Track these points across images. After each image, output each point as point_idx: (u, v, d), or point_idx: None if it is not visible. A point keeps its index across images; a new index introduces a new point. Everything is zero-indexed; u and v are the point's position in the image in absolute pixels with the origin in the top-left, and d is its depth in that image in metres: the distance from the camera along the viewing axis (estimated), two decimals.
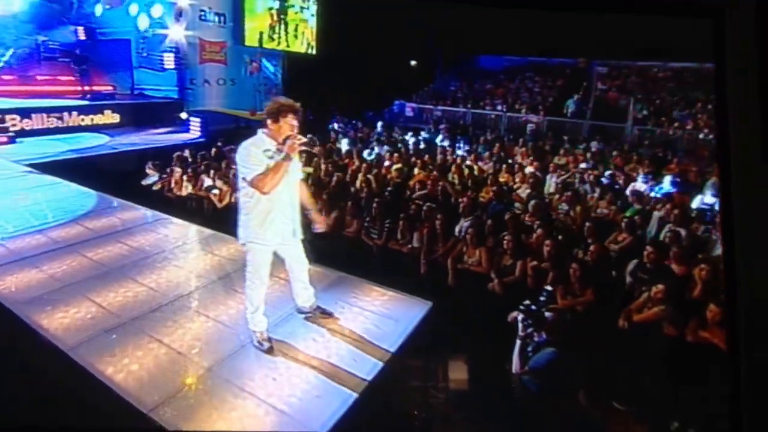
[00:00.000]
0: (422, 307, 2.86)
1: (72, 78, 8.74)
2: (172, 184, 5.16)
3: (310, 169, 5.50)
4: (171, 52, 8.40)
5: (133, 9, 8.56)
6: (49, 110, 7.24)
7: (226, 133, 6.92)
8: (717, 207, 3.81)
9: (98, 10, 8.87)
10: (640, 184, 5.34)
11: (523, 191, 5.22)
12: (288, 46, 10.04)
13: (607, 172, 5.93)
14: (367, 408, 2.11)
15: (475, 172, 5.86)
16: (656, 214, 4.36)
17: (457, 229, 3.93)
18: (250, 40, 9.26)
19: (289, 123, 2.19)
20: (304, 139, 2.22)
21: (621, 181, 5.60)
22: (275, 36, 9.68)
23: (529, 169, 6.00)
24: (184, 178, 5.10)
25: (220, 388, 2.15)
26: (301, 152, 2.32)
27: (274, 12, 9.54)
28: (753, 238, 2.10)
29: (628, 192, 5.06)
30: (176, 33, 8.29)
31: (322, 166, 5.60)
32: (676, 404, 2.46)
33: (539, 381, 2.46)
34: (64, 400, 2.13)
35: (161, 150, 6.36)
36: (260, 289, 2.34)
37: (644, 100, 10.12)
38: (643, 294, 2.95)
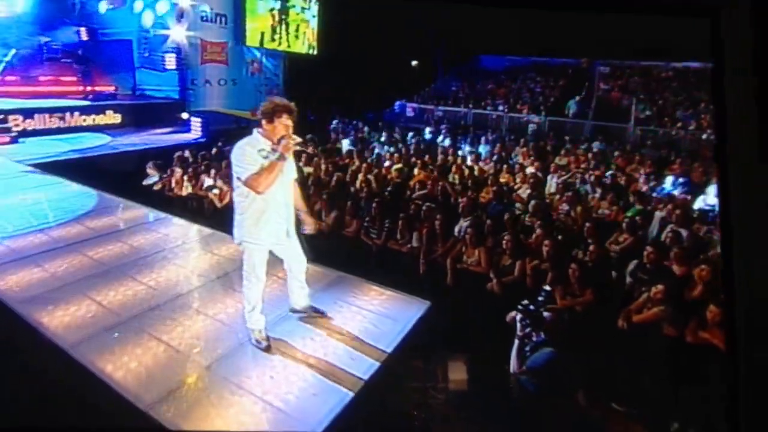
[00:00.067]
0: (420, 307, 2.86)
1: (74, 78, 8.81)
2: (173, 184, 5.18)
3: (310, 169, 5.52)
4: (172, 52, 8.45)
5: (138, 5, 8.60)
6: (51, 110, 7.30)
7: (226, 134, 6.94)
8: None
9: (102, 7, 8.92)
10: (642, 185, 5.33)
11: (524, 191, 5.21)
12: (289, 46, 10.08)
13: (608, 173, 5.91)
14: (364, 407, 2.12)
15: (476, 173, 5.86)
16: (658, 214, 4.34)
17: (456, 229, 3.93)
18: (252, 40, 9.30)
19: (284, 123, 2.20)
20: (299, 139, 2.23)
21: (623, 182, 5.58)
22: (276, 36, 9.71)
23: (529, 170, 5.99)
24: (185, 178, 5.13)
25: (218, 385, 2.16)
26: (296, 152, 2.33)
27: (275, 12, 9.58)
28: (752, 238, 2.09)
29: (630, 192, 5.05)
30: (178, 34, 8.33)
31: (322, 166, 5.61)
32: (675, 405, 2.45)
33: (537, 381, 2.45)
34: (63, 397, 2.14)
35: (162, 150, 6.40)
36: (257, 287, 2.35)
37: (647, 100, 10.08)
38: (643, 294, 2.94)
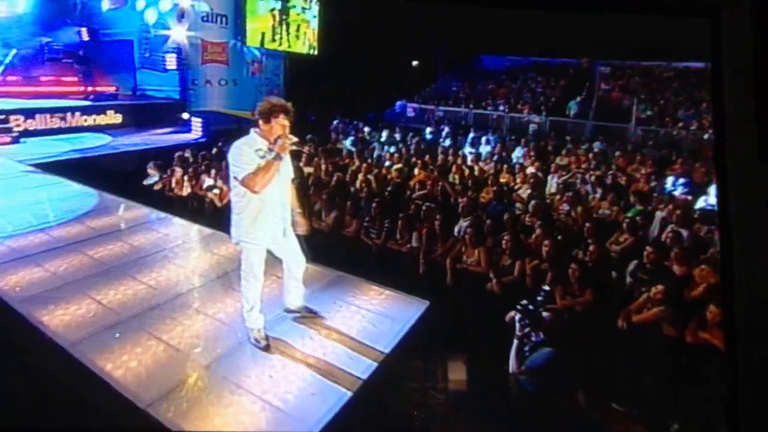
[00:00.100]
0: (419, 307, 2.87)
1: (75, 79, 8.83)
2: (173, 184, 5.20)
3: (310, 169, 5.53)
4: (173, 52, 8.47)
5: (141, 3, 8.59)
6: (52, 111, 7.32)
7: (227, 134, 6.94)
8: None
9: (104, 5, 8.94)
10: (644, 185, 5.31)
11: (524, 192, 5.21)
12: (290, 46, 10.09)
13: (609, 173, 5.90)
14: (362, 406, 2.12)
15: (476, 173, 5.86)
16: (659, 214, 4.33)
17: (456, 229, 3.93)
18: (252, 40, 9.31)
19: (280, 123, 2.21)
20: (295, 139, 2.24)
21: (623, 182, 5.57)
22: (277, 37, 9.72)
23: (530, 170, 5.99)
24: (185, 178, 5.14)
25: (217, 384, 2.17)
26: (294, 152, 2.33)
27: (275, 13, 9.58)
28: (751, 238, 2.09)
29: (631, 192, 5.03)
30: (178, 34, 8.35)
31: (323, 167, 5.62)
32: (675, 405, 2.45)
33: (536, 381, 2.45)
34: (63, 396, 2.15)
35: (163, 150, 6.41)
36: (255, 287, 2.36)
37: (648, 100, 10.06)
38: (643, 295, 2.93)
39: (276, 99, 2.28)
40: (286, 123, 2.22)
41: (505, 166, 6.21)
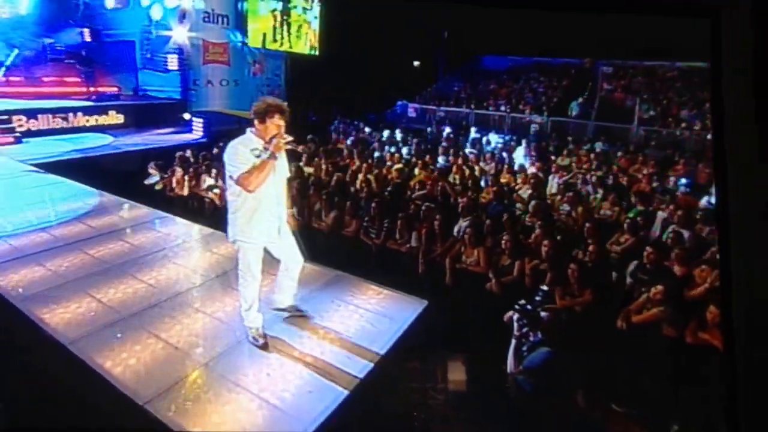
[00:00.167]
0: (418, 306, 2.87)
1: (77, 79, 8.88)
2: (174, 184, 5.22)
3: (310, 170, 5.54)
4: (174, 53, 8.51)
5: (145, 0, 8.63)
6: (54, 111, 7.37)
7: (228, 134, 6.97)
8: None
9: (109, 3, 8.98)
10: (645, 185, 5.29)
11: (525, 192, 5.20)
12: (291, 47, 10.12)
13: (610, 174, 5.89)
14: (359, 405, 2.12)
15: (476, 173, 5.85)
16: (660, 214, 4.32)
17: (455, 229, 3.93)
18: (253, 41, 9.35)
19: (276, 123, 2.22)
20: (290, 138, 2.25)
21: (625, 182, 5.56)
22: (278, 37, 9.75)
23: (531, 170, 5.98)
24: (186, 177, 5.16)
25: (215, 382, 2.18)
26: (293, 152, 2.34)
27: (277, 13, 9.62)
28: (750, 238, 2.08)
29: (632, 193, 5.01)
30: (180, 35, 8.39)
31: (323, 167, 5.63)
32: (675, 406, 2.44)
33: (534, 381, 2.45)
34: (63, 393, 2.17)
35: (164, 150, 6.44)
36: (253, 285, 2.36)
37: (650, 101, 10.02)
38: (643, 295, 2.92)
39: (272, 99, 2.29)
40: (282, 123, 2.23)
41: (506, 166, 6.20)
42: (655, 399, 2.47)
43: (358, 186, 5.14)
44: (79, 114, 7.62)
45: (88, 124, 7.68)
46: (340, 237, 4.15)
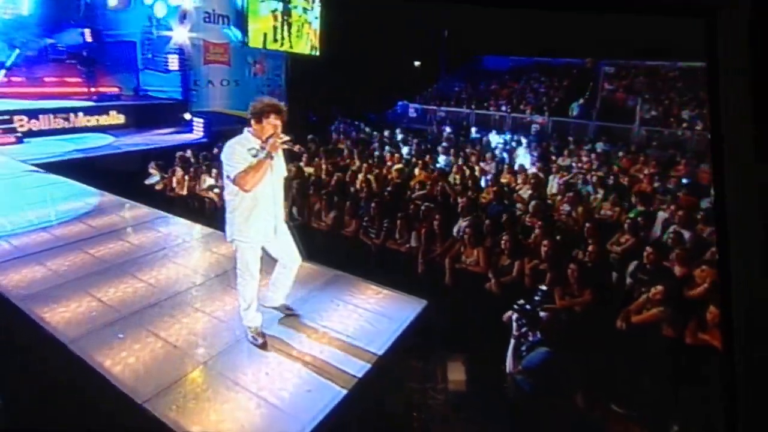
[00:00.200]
0: (416, 306, 2.87)
1: (79, 79, 8.90)
2: (174, 184, 5.24)
3: (311, 170, 5.55)
4: (175, 53, 8.53)
5: None
6: (55, 111, 7.39)
7: (229, 134, 6.98)
8: None
9: (112, 1, 9.02)
10: (647, 186, 5.28)
11: (525, 192, 5.20)
12: (291, 47, 10.13)
13: (611, 174, 5.88)
14: (358, 404, 2.13)
15: (476, 173, 5.85)
16: (661, 215, 4.31)
17: (455, 229, 3.93)
18: (254, 41, 9.36)
19: (272, 123, 2.24)
20: (286, 138, 2.25)
21: (626, 182, 5.55)
22: (279, 37, 9.77)
23: (531, 170, 5.97)
24: (186, 177, 5.18)
25: (214, 381, 2.19)
26: (286, 151, 2.35)
27: (277, 14, 9.63)
28: (749, 238, 2.08)
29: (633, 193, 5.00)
30: (180, 35, 8.41)
31: (323, 167, 5.64)
32: (675, 406, 2.43)
33: (532, 380, 2.45)
34: (63, 390, 2.18)
35: (165, 150, 6.45)
36: (251, 284, 2.37)
37: (652, 101, 10.00)
38: (643, 295, 2.92)
39: (268, 99, 2.31)
40: (278, 123, 2.25)
41: (506, 166, 6.19)
42: (655, 399, 2.46)
43: (358, 186, 5.14)
44: (80, 114, 7.63)
45: (89, 125, 7.70)
46: (339, 237, 4.16)
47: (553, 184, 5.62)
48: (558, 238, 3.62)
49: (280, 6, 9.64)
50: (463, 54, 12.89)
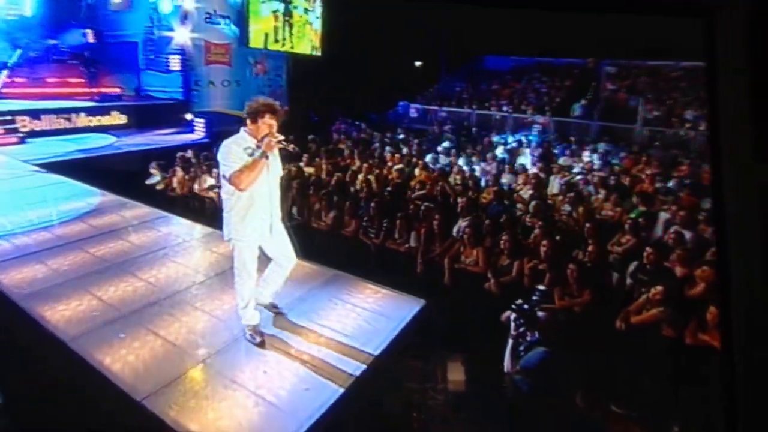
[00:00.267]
0: (415, 305, 2.87)
1: (81, 80, 8.95)
2: (175, 184, 5.25)
3: (311, 170, 5.56)
4: (177, 54, 8.57)
5: None
6: (58, 111, 7.43)
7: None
8: None
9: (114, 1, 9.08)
10: (648, 186, 5.26)
11: (526, 192, 5.19)
12: (293, 47, 10.15)
13: (612, 175, 5.86)
14: (355, 403, 2.13)
15: (477, 173, 5.85)
16: (663, 215, 4.29)
17: (455, 229, 3.93)
18: (255, 42, 9.39)
19: (267, 122, 2.25)
20: (281, 137, 2.27)
21: (627, 183, 5.53)
22: (280, 38, 9.79)
23: (532, 170, 5.96)
24: (186, 177, 5.19)
25: (213, 379, 2.20)
26: (284, 151, 2.36)
27: (278, 14, 9.65)
28: (749, 238, 2.07)
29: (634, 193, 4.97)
30: (182, 35, 8.45)
31: (324, 167, 5.64)
32: (674, 406, 2.43)
33: (531, 380, 2.45)
34: (63, 388, 2.19)
35: (166, 150, 6.47)
36: (249, 283, 2.38)
37: (655, 101, 9.96)
38: (643, 295, 2.91)
39: (263, 98, 2.32)
40: (273, 122, 2.26)
41: (507, 166, 6.19)
42: (655, 399, 2.46)
43: (358, 186, 5.15)
44: (82, 114, 7.67)
45: (91, 125, 7.73)
46: (339, 237, 4.16)
47: (554, 184, 5.61)
48: (558, 238, 3.62)
49: (281, 6, 9.67)
50: (464, 54, 12.87)
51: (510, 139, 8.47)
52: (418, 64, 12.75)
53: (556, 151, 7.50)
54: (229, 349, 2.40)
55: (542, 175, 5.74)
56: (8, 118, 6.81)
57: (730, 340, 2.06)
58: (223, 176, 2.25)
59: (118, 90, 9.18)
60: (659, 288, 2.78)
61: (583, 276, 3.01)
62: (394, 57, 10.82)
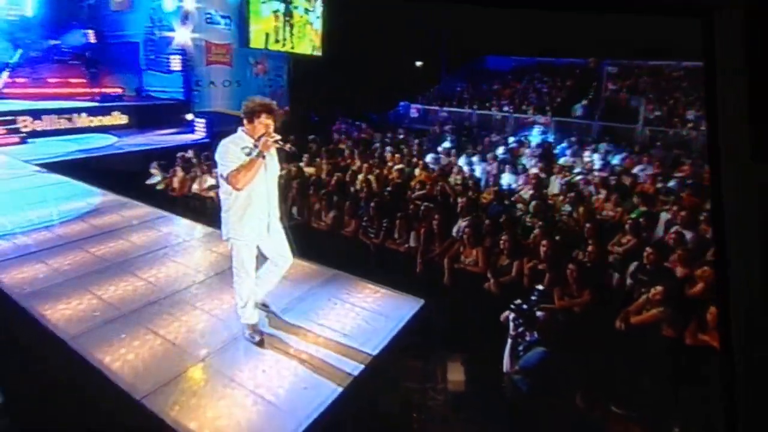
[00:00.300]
0: (414, 305, 2.87)
1: (82, 80, 8.98)
2: (175, 184, 5.26)
3: (311, 170, 5.56)
4: (178, 54, 8.59)
5: None
6: (59, 112, 7.46)
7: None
8: None
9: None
10: (649, 186, 5.25)
11: (526, 193, 5.18)
12: (293, 47, 10.16)
13: (612, 175, 5.85)
14: (354, 402, 2.13)
15: (477, 173, 5.85)
16: (664, 215, 4.28)
17: (454, 229, 3.93)
18: (256, 42, 9.40)
19: (263, 122, 2.26)
20: (277, 137, 2.27)
21: (628, 183, 5.52)
22: (280, 38, 9.81)
23: (533, 170, 5.96)
24: (187, 177, 5.20)
25: (212, 378, 2.21)
26: (281, 151, 2.37)
27: (279, 14, 9.67)
28: (748, 238, 2.06)
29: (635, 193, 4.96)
30: (183, 36, 8.47)
31: (324, 167, 5.65)
32: (674, 407, 2.42)
33: (530, 380, 2.44)
34: (63, 386, 2.20)
35: (167, 150, 6.49)
36: (247, 282, 2.39)
37: (656, 101, 9.94)
38: (643, 296, 2.91)
39: (260, 98, 2.33)
40: (269, 122, 2.27)
41: (507, 166, 6.18)
42: (655, 399, 2.45)
43: (358, 186, 5.15)
44: (84, 115, 7.69)
45: (92, 125, 7.75)
46: (339, 236, 4.17)
47: (555, 184, 5.60)
48: (557, 238, 3.61)
49: (281, 6, 9.68)
50: (465, 54, 12.86)
51: (510, 139, 8.46)
52: (418, 64, 12.75)
53: (556, 152, 7.49)
54: (229, 348, 2.41)
55: (543, 175, 5.73)
56: (9, 118, 6.84)
57: (730, 340, 2.06)
58: (221, 175, 2.26)
59: (119, 90, 9.21)
60: (659, 288, 2.78)
61: (583, 276, 3.01)
62: (395, 57, 10.82)
